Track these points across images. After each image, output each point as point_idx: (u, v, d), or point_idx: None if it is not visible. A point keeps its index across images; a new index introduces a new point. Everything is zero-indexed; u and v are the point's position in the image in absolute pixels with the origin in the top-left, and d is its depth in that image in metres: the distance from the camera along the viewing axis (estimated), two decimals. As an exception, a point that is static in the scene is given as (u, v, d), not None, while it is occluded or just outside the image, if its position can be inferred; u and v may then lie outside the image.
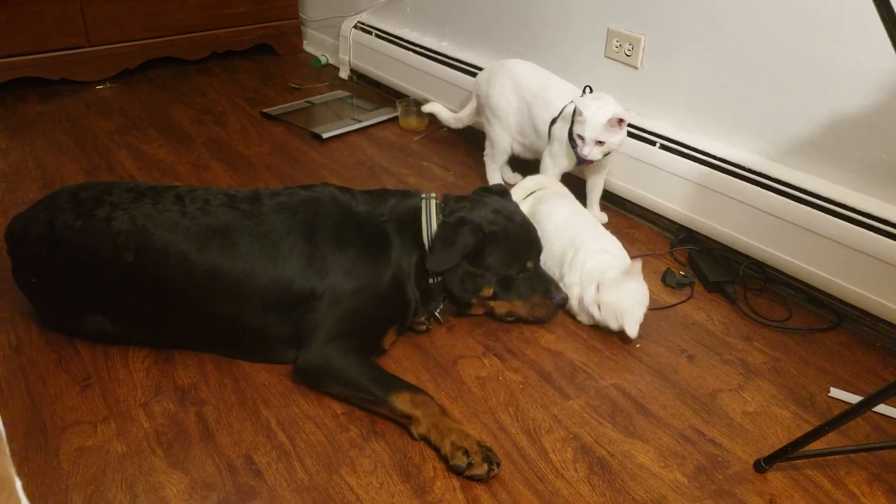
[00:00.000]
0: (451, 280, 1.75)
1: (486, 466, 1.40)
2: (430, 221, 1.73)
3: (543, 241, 1.89)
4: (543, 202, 2.10)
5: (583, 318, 1.86)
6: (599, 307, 1.78)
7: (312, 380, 1.63)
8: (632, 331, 1.75)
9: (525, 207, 2.06)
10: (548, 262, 1.94)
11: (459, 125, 2.66)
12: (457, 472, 1.42)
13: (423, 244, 1.72)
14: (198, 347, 1.74)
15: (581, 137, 2.05)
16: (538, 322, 1.86)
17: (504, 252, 1.75)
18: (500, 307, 1.83)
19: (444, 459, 1.45)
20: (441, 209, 1.77)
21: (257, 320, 1.65)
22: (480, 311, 1.86)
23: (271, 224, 1.66)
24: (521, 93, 2.32)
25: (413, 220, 1.74)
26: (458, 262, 1.72)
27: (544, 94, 2.26)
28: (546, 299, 1.82)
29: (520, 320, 1.86)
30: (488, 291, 1.79)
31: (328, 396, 1.62)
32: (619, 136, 2.06)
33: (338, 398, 1.61)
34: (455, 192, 2.47)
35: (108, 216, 1.64)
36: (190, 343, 1.74)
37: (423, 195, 1.79)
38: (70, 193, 1.71)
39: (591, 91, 2.18)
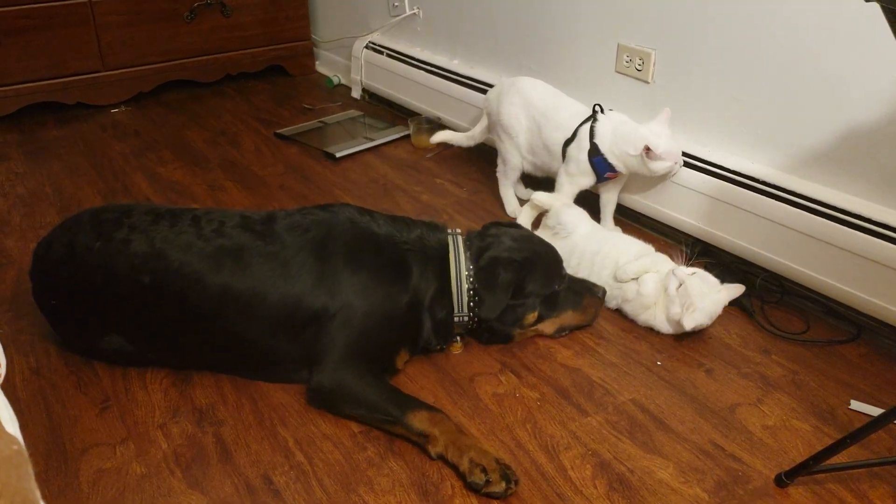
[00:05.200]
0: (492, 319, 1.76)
1: (503, 484, 1.40)
2: (459, 258, 1.73)
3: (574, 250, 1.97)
4: (560, 215, 2.13)
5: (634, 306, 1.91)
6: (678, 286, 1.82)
7: (327, 403, 1.63)
8: (688, 323, 1.78)
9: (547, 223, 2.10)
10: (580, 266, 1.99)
11: (472, 143, 2.67)
12: (474, 489, 1.41)
13: (446, 280, 1.72)
14: (213, 367, 1.75)
15: (671, 168, 2.09)
16: (589, 324, 1.89)
17: (542, 273, 1.77)
18: (550, 326, 1.84)
19: (461, 477, 1.45)
20: (468, 246, 1.76)
21: (268, 339, 1.65)
22: (522, 338, 1.85)
23: (282, 243, 1.67)
24: (531, 113, 2.33)
25: (439, 254, 1.73)
26: (507, 299, 1.73)
27: (555, 114, 2.27)
28: (592, 298, 1.86)
29: (574, 329, 1.88)
30: (532, 317, 1.79)
31: (339, 415, 1.62)
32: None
33: (353, 419, 1.61)
34: (468, 208, 2.50)
35: (126, 238, 1.66)
36: (205, 363, 1.75)
37: (450, 231, 1.79)
38: (91, 215, 1.74)
39: (602, 110, 2.19)
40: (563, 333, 1.87)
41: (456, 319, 1.74)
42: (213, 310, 1.63)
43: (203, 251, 1.64)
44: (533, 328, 1.82)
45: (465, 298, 1.72)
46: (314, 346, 1.64)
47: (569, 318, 1.84)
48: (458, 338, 1.82)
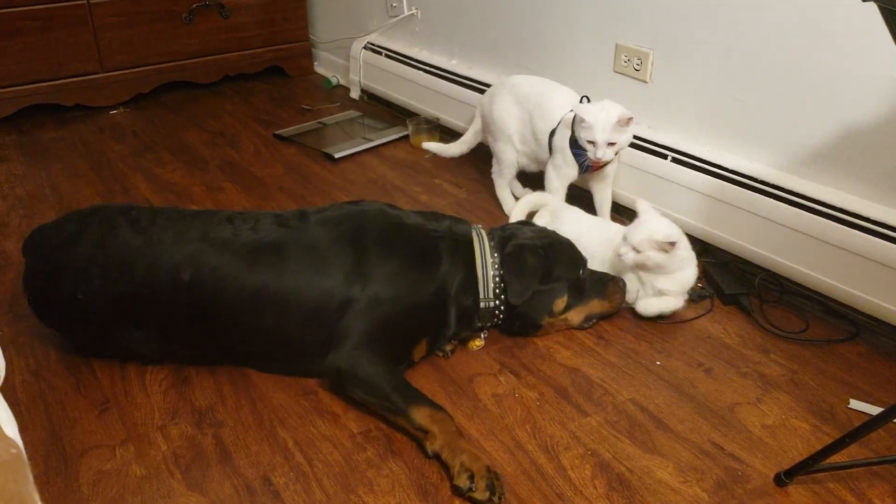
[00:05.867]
0: (522, 305, 1.78)
1: (487, 494, 1.39)
2: (484, 246, 1.77)
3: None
4: (561, 213, 2.16)
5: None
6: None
7: (339, 382, 1.63)
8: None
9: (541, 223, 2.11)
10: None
11: (464, 148, 2.69)
12: (458, 493, 1.41)
13: (473, 268, 1.75)
14: (238, 361, 1.76)
15: (592, 142, 2.07)
16: (616, 311, 1.92)
17: (566, 258, 1.82)
18: (577, 315, 1.86)
19: (451, 478, 1.44)
20: (490, 237, 1.81)
21: (299, 330, 1.67)
22: (551, 329, 1.87)
23: (317, 235, 1.70)
24: (520, 101, 2.36)
25: (466, 243, 1.77)
26: (535, 284, 1.76)
27: (543, 102, 2.29)
28: (615, 286, 1.89)
29: (601, 318, 1.90)
30: (561, 304, 1.81)
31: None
32: (627, 135, 2.10)
33: (360, 404, 1.61)
34: (467, 209, 2.50)
35: (162, 236, 1.68)
36: (231, 357, 1.76)
37: (473, 226, 1.84)
38: (121, 211, 1.75)
39: (589, 101, 2.20)
40: (591, 323, 1.89)
41: (482, 305, 1.76)
42: (250, 306, 1.65)
43: (241, 249, 1.67)
44: (562, 318, 1.84)
45: (492, 285, 1.75)
46: (337, 327, 1.65)
47: (595, 306, 1.87)
48: (483, 333, 1.83)
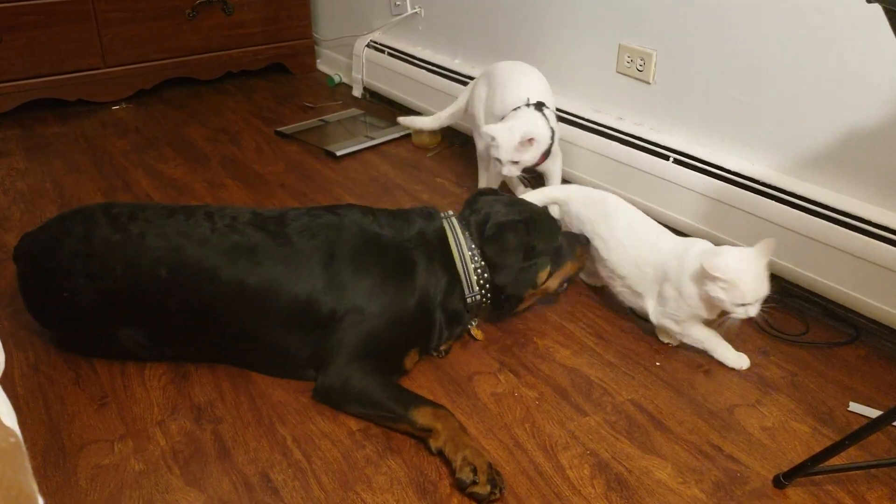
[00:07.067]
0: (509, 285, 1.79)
1: (489, 487, 1.39)
2: (459, 240, 1.76)
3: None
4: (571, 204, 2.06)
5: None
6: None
7: (332, 401, 1.64)
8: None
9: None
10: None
11: (437, 124, 2.77)
12: (460, 486, 1.41)
13: (453, 268, 1.74)
14: (224, 361, 1.76)
15: (498, 160, 2.16)
16: (581, 270, 1.97)
17: (546, 229, 1.82)
18: (555, 281, 1.87)
19: (453, 473, 1.45)
20: (465, 226, 1.79)
21: (278, 337, 1.67)
22: (531, 301, 1.89)
23: (293, 247, 1.68)
24: (489, 80, 2.42)
25: (441, 244, 1.76)
26: (520, 262, 1.77)
27: (507, 82, 2.34)
28: (579, 245, 1.91)
29: (570, 281, 1.95)
30: (545, 275, 1.82)
31: (344, 413, 1.62)
32: (531, 153, 2.17)
33: (358, 418, 1.61)
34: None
35: (143, 231, 1.68)
36: (217, 357, 1.76)
37: (443, 215, 1.81)
38: (102, 209, 1.74)
39: (533, 105, 2.24)
40: (563, 287, 1.92)
41: (468, 301, 1.75)
42: (227, 305, 1.65)
43: (218, 247, 1.66)
44: (543, 287, 1.85)
45: (475, 277, 1.75)
46: (323, 346, 1.65)
47: (569, 268, 1.89)
48: (474, 322, 1.84)
